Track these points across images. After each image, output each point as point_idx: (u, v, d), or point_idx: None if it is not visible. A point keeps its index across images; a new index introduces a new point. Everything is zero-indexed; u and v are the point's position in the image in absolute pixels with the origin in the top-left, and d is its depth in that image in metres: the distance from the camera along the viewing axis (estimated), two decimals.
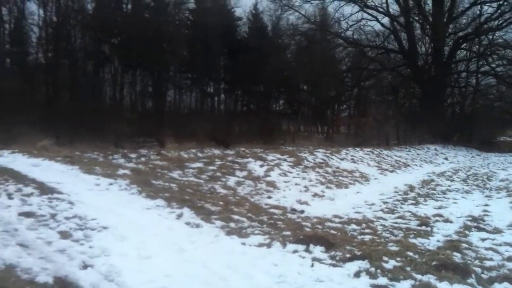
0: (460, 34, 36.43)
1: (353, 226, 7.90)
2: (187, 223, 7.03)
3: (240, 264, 5.42)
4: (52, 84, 28.97)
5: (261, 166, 12.91)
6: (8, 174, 9.33)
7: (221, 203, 8.53)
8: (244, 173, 12.01)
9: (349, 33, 36.68)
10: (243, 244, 6.30)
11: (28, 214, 6.52)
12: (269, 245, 6.28)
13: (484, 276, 5.48)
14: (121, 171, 10.31)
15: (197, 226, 6.94)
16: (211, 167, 11.96)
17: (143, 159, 12.60)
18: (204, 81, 34.13)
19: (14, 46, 29.05)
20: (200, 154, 13.69)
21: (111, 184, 9.14)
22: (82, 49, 29.83)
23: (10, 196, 7.47)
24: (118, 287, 4.50)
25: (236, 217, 7.57)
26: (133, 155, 12.85)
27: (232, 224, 7.18)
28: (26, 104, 22.34)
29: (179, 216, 7.34)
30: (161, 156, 12.87)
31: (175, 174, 11.08)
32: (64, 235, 5.80)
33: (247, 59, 31.52)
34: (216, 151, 13.76)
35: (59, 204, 7.16)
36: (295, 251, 6.08)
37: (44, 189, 8.11)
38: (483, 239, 7.27)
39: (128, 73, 31.96)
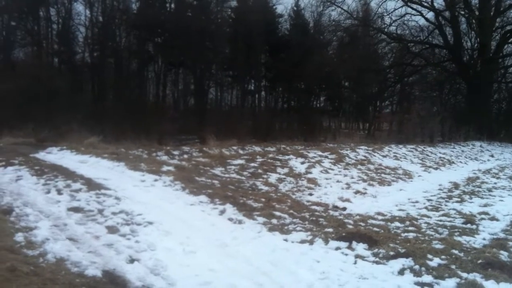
0: (508, 28, 35.28)
1: (397, 223, 7.81)
2: (230, 219, 7.13)
3: (283, 260, 5.46)
4: (98, 83, 29.77)
5: (302, 163, 12.91)
6: (57, 170, 9.67)
7: (262, 199, 8.58)
8: (285, 170, 12.04)
9: (392, 28, 36.12)
10: (285, 240, 6.34)
11: (76, 209, 6.77)
12: (311, 242, 6.28)
13: None
14: (165, 168, 10.52)
15: (240, 222, 7.03)
16: (252, 164, 12.04)
17: (185, 156, 12.81)
18: (245, 78, 34.30)
19: (62, 46, 29.91)
20: (241, 151, 13.82)
21: (156, 180, 9.34)
22: (127, 48, 30.48)
23: (59, 192, 7.76)
24: (164, 281, 4.61)
25: (278, 213, 7.61)
26: (176, 152, 13.09)
27: (274, 221, 7.22)
28: (73, 103, 23.00)
29: (222, 212, 7.45)
30: (203, 153, 13.06)
31: (217, 171, 11.21)
32: (112, 229, 5.99)
33: (288, 56, 31.50)
34: (257, 148, 13.85)
35: (106, 199, 7.38)
36: (337, 248, 6.07)
37: (91, 185, 8.38)
38: None
39: (171, 71, 32.48)
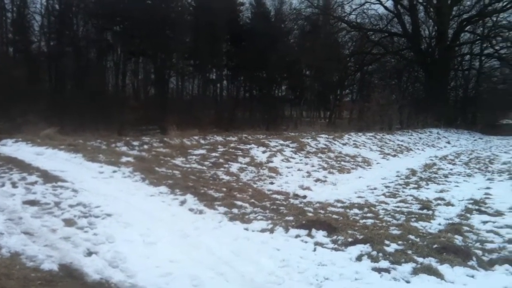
0: (464, 16, 36.31)
1: (355, 210, 7.97)
2: (191, 210, 7.12)
3: (244, 249, 5.50)
4: (55, 73, 28.97)
5: (264, 152, 12.97)
6: (12, 163, 9.41)
7: (224, 189, 8.59)
8: (247, 159, 12.08)
9: (352, 17, 36.75)
10: (246, 229, 6.38)
11: (32, 202, 6.61)
12: (272, 230, 6.35)
13: (485, 258, 5.54)
14: (124, 159, 10.37)
15: (201, 212, 7.02)
16: (214, 154, 12.02)
17: (146, 146, 12.66)
18: (207, 67, 34.02)
19: (17, 35, 28.95)
20: (202, 141, 13.77)
21: (114, 171, 9.21)
22: (85, 37, 29.74)
23: (14, 185, 7.56)
24: (123, 273, 4.57)
25: (239, 203, 7.64)
26: (136, 143, 12.91)
27: (235, 210, 7.25)
28: (30, 93, 22.33)
29: (183, 202, 7.42)
30: (164, 143, 12.93)
31: (178, 161, 11.14)
32: (69, 222, 5.88)
33: (250, 44, 31.40)
34: (219, 138, 13.81)
35: (63, 192, 7.24)
36: (297, 236, 6.16)
37: (48, 177, 8.19)
38: (485, 222, 7.33)
39: (130, 60, 31.91)
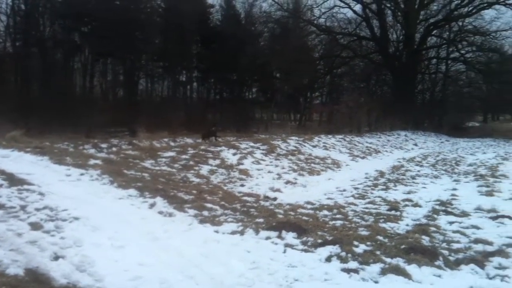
0: (431, 20, 37.03)
1: (325, 212, 8.02)
2: (160, 212, 7.05)
3: (214, 252, 5.48)
4: (21, 74, 28.35)
5: (234, 154, 12.96)
6: None
7: (194, 191, 8.54)
8: (217, 161, 12.04)
9: (321, 20, 37.01)
10: (217, 232, 6.36)
11: None
12: (242, 233, 6.35)
13: (451, 258, 5.64)
14: (92, 161, 10.19)
15: (170, 215, 6.96)
16: (183, 156, 11.94)
17: (114, 149, 12.50)
18: (176, 69, 33.86)
19: None
20: (172, 143, 13.68)
21: (82, 174, 9.03)
22: (52, 38, 29.21)
23: None
24: (91, 277, 4.50)
25: (209, 205, 7.61)
26: (104, 145, 12.73)
27: (206, 213, 7.21)
28: None
29: (152, 205, 7.33)
30: (133, 145, 12.80)
31: (148, 163, 11.02)
32: (35, 226, 5.73)
33: (220, 47, 31.40)
34: (189, 140, 13.74)
35: (29, 195, 7.04)
36: (268, 238, 6.17)
37: (13, 180, 7.96)
38: (451, 223, 7.45)
39: (99, 61, 31.50)
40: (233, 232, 6.35)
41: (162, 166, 11.03)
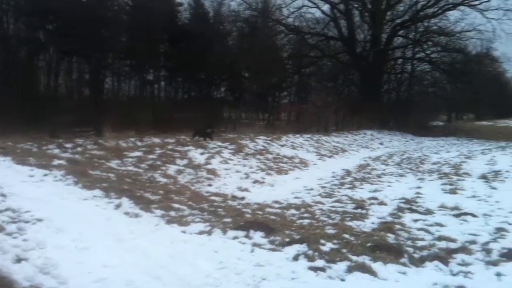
0: (398, 21, 37.54)
1: (292, 211, 8.08)
2: (126, 213, 6.96)
3: (181, 252, 5.46)
4: None
5: (202, 154, 12.89)
6: None
7: (161, 192, 8.48)
8: (185, 161, 11.96)
9: (290, 20, 37.07)
10: (184, 232, 6.33)
11: None
12: (209, 233, 6.33)
13: (416, 255, 5.74)
14: (56, 162, 9.98)
15: (136, 215, 6.89)
16: (150, 156, 11.80)
17: (79, 149, 12.22)
18: (144, 68, 33.48)
19: None
20: (139, 143, 13.49)
21: (45, 175, 8.83)
22: (15, 36, 28.48)
23: None
24: (54, 280, 4.40)
25: (176, 205, 7.56)
26: (69, 145, 12.43)
27: (173, 213, 7.17)
28: None
29: (118, 206, 7.23)
30: (98, 145, 12.55)
31: (113, 163, 10.84)
32: None
33: (188, 45, 31.19)
34: (156, 140, 13.59)
35: None
36: (235, 238, 6.17)
37: None
38: (416, 220, 7.61)
39: (64, 60, 30.85)
40: (201, 232, 6.33)
41: (129, 166, 10.88)
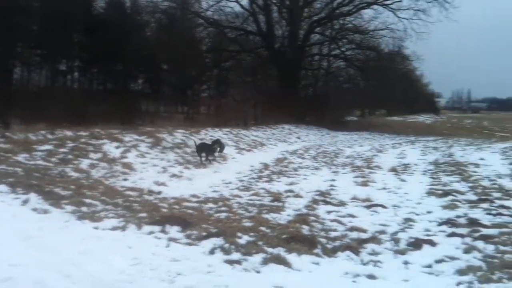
0: (315, 18, 38.44)
1: (210, 204, 8.08)
2: (34, 209, 6.61)
3: (94, 249, 5.28)
4: None
5: (117, 147, 12.51)
6: None
7: (72, 187, 8.13)
8: (99, 155, 11.54)
9: (209, 13, 36.83)
10: (96, 228, 6.14)
11: None
12: (124, 228, 6.18)
13: (329, 246, 5.94)
14: None
15: (45, 212, 6.57)
16: (62, 150, 11.25)
17: None
18: (56, 58, 31.98)
19: None
20: (50, 136, 12.82)
21: None
22: None
23: None
24: None
25: (88, 201, 7.30)
26: None
27: (84, 209, 6.91)
28: None
29: (25, 202, 6.85)
30: (5, 138, 11.77)
31: (21, 157, 10.24)
32: None
33: (104, 36, 30.13)
34: (69, 133, 12.99)
35: None
36: (150, 233, 6.07)
37: None
38: (329, 212, 7.87)
39: None
40: (114, 228, 6.15)
41: (38, 160, 10.34)
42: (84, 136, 12.75)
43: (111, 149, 12.24)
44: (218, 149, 13.97)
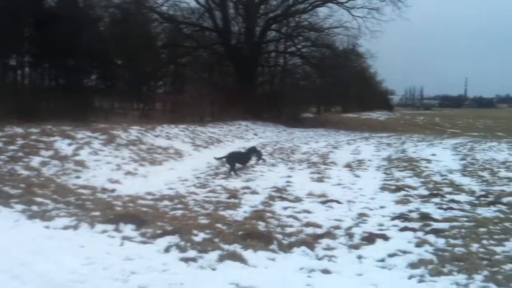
0: (271, 15, 38.53)
1: (166, 202, 8.01)
2: None
3: (44, 249, 5.19)
4: None
5: (70, 144, 12.17)
6: None
7: (22, 185, 7.92)
8: (50, 152, 11.20)
9: (164, 8, 36.41)
10: (47, 227, 6.02)
11: None
12: (76, 227, 6.07)
13: (284, 242, 6.00)
14: None
15: None
16: (11, 147, 10.83)
17: None
18: (5, 52, 30.86)
19: None
20: None
21: None
22: None
23: None
24: None
25: (39, 199, 7.12)
26: None
27: (35, 208, 6.74)
28: None
29: None
30: None
31: None
32: None
33: (56, 30, 29.27)
34: (19, 129, 12.56)
35: None
36: (104, 231, 5.99)
37: None
38: (285, 208, 7.94)
39: None
40: (66, 227, 6.03)
41: None
42: (35, 133, 12.35)
43: (63, 146, 11.91)
44: (256, 158, 13.45)
